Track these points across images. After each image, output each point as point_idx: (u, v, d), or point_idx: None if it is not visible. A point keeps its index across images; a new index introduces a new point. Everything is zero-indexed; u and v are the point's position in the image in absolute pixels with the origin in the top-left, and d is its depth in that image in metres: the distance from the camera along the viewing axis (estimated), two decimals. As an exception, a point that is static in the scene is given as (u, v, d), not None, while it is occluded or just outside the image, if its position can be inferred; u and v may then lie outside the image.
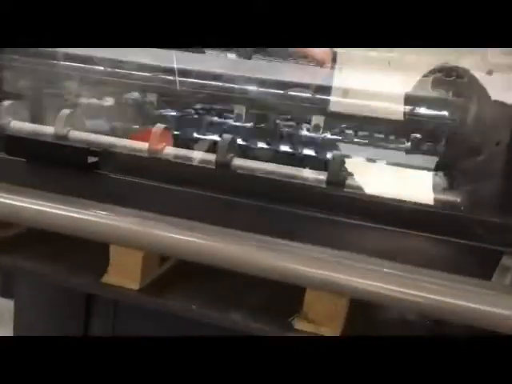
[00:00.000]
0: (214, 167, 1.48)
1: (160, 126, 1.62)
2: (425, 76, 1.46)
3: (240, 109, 1.66)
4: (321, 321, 1.24)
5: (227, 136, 1.50)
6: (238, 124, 1.72)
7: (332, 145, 1.62)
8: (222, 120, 1.79)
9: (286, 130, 1.74)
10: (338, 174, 1.36)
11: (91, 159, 1.45)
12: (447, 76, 1.43)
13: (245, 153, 1.66)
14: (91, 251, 1.51)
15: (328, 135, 1.64)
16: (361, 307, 1.43)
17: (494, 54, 1.22)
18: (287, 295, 1.39)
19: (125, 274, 1.36)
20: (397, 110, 1.45)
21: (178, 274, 1.49)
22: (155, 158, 1.58)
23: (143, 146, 1.62)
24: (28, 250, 1.49)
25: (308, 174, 1.42)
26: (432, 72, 1.45)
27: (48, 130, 1.68)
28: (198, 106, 1.82)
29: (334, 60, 1.53)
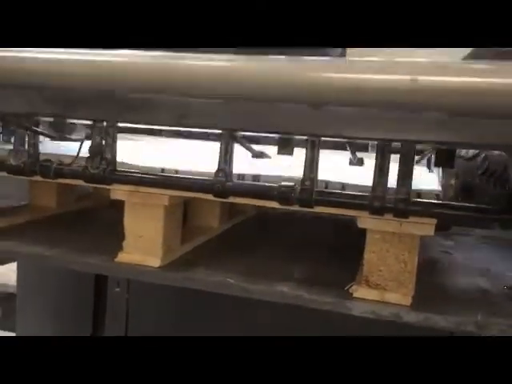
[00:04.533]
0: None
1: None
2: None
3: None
4: (386, 285, 1.02)
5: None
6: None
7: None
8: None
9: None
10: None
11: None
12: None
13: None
14: (101, 235, 1.34)
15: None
16: (429, 268, 1.25)
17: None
18: (335, 267, 1.21)
19: (143, 249, 1.14)
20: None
21: (204, 251, 1.29)
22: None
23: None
24: (32, 237, 1.29)
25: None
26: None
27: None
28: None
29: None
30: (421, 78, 0.62)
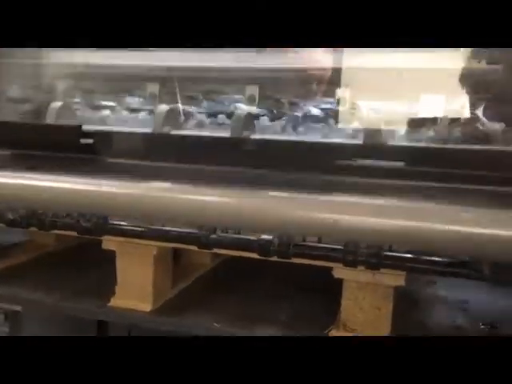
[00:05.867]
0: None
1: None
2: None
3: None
4: (362, 330, 1.08)
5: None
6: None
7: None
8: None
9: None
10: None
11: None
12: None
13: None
14: (97, 274, 1.40)
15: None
16: (406, 312, 1.30)
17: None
18: (317, 307, 1.26)
19: (134, 295, 1.21)
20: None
21: (194, 292, 1.35)
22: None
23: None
24: (32, 280, 1.37)
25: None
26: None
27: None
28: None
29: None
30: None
